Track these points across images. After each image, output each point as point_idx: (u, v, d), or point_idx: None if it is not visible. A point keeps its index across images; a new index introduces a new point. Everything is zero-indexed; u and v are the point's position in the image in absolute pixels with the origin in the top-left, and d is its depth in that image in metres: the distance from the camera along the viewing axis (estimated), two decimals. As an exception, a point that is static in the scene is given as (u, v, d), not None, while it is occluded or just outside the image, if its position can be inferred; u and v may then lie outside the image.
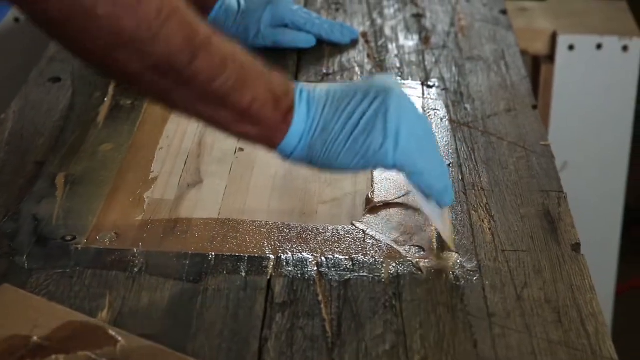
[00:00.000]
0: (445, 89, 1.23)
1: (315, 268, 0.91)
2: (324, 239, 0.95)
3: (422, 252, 0.93)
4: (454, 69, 1.28)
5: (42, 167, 1.06)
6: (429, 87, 1.24)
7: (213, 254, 0.93)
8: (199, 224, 0.97)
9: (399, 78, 1.26)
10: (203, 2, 1.30)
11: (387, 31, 1.39)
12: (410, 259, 0.92)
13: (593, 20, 1.59)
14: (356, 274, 0.90)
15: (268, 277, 0.90)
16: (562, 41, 1.55)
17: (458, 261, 0.92)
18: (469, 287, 0.89)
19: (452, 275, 0.90)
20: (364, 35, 1.37)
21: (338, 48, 1.33)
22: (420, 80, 1.25)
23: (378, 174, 1.04)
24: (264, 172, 1.06)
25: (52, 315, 0.83)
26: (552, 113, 1.56)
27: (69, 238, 0.94)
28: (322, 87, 0.88)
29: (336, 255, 0.93)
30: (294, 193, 1.03)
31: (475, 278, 0.90)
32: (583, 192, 1.55)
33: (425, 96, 1.21)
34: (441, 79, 1.26)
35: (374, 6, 1.45)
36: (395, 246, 0.94)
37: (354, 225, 0.97)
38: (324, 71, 1.27)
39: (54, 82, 1.24)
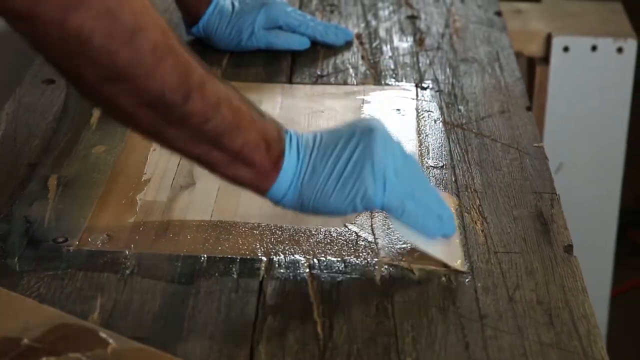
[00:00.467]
0: (439, 91, 1.23)
1: (308, 270, 0.91)
2: (316, 241, 0.95)
3: (415, 254, 0.92)
4: (448, 70, 1.28)
5: (35, 169, 1.05)
6: (423, 88, 1.24)
7: (205, 256, 0.93)
8: (191, 226, 0.97)
9: (392, 80, 1.26)
10: (197, 4, 1.30)
11: (382, 33, 1.38)
12: (402, 260, 0.92)
13: (588, 21, 1.59)
14: (348, 276, 0.90)
15: (260, 279, 0.90)
16: (557, 43, 1.55)
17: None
18: (461, 289, 0.89)
19: (444, 277, 0.90)
20: (359, 37, 1.37)
21: (332, 50, 1.33)
22: (414, 82, 1.25)
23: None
24: (257, 174, 1.06)
25: (43, 318, 0.82)
26: (547, 115, 1.56)
27: (60, 240, 0.94)
28: (308, 133, 0.89)
29: (328, 257, 0.93)
30: (287, 195, 1.02)
31: (467, 280, 0.90)
32: (578, 193, 1.55)
33: (419, 98, 1.21)
34: (435, 80, 1.26)
35: (369, 8, 1.45)
36: (387, 247, 0.93)
37: (346, 227, 0.97)
38: (318, 73, 1.27)
39: (48, 84, 1.23)
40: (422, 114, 1.17)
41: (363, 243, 0.94)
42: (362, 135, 0.87)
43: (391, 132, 0.89)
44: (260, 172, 0.86)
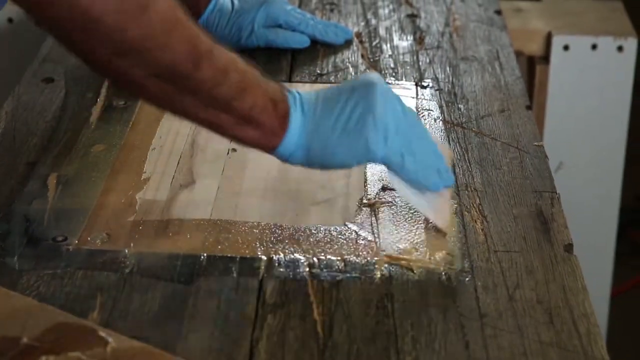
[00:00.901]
0: (439, 90, 1.23)
1: (307, 269, 0.91)
2: (316, 240, 0.95)
3: (416, 253, 0.92)
4: (448, 69, 1.28)
5: (34, 167, 1.05)
6: (423, 87, 1.23)
7: (205, 254, 0.92)
8: (191, 225, 0.97)
9: (392, 78, 1.25)
10: (197, 2, 1.30)
11: (382, 31, 1.38)
12: (402, 259, 0.92)
13: (588, 20, 1.58)
14: (348, 275, 0.90)
15: (260, 278, 0.90)
16: (557, 41, 1.54)
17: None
18: (461, 288, 0.88)
19: (444, 276, 0.90)
20: (358, 35, 1.37)
21: (332, 48, 1.33)
22: (414, 81, 1.25)
23: (371, 175, 1.04)
24: (256, 173, 1.06)
25: (42, 317, 0.82)
26: (547, 114, 1.55)
27: (60, 239, 0.94)
28: (310, 92, 0.91)
29: (328, 256, 0.92)
30: (286, 194, 1.02)
31: (467, 279, 0.90)
32: (578, 193, 1.55)
33: (419, 97, 1.21)
34: (435, 79, 1.25)
35: (369, 6, 1.45)
36: (387, 246, 0.93)
37: (346, 226, 0.97)
38: (318, 71, 1.27)
39: (47, 82, 1.23)
40: (422, 113, 1.17)
41: (363, 242, 0.94)
42: (363, 90, 0.90)
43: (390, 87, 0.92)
44: (268, 131, 0.88)
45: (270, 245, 0.94)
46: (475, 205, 1.00)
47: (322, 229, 0.96)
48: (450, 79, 1.25)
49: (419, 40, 1.36)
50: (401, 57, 1.31)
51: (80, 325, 0.82)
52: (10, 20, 1.60)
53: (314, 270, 0.91)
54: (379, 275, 0.90)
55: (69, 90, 1.21)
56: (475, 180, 1.04)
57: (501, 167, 1.07)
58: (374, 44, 1.35)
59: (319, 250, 0.93)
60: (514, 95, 1.22)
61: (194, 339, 0.82)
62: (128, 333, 0.82)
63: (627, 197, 1.71)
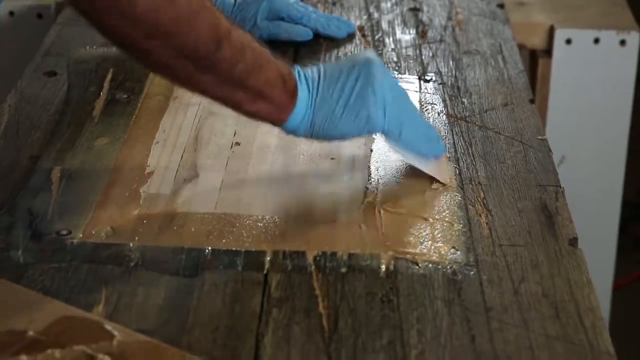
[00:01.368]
0: (443, 83, 1.23)
1: (312, 262, 0.91)
2: (320, 233, 0.95)
3: (420, 247, 0.92)
4: (451, 63, 1.28)
5: (38, 161, 1.05)
6: (426, 81, 1.23)
7: (209, 248, 0.92)
8: (196, 219, 0.96)
9: (396, 72, 1.25)
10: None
11: (384, 25, 1.38)
12: (407, 253, 0.91)
13: (590, 14, 1.58)
14: (353, 268, 0.90)
15: (265, 272, 0.89)
16: (560, 35, 1.54)
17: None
18: (466, 282, 0.88)
19: (449, 270, 0.90)
20: (361, 29, 1.37)
21: (335, 42, 1.33)
22: (417, 75, 1.25)
23: (374, 169, 1.04)
24: (260, 167, 1.06)
25: (47, 310, 0.82)
26: (550, 107, 1.55)
27: (64, 232, 0.94)
28: (312, 68, 0.98)
29: (333, 250, 0.92)
30: (290, 188, 1.02)
31: (472, 272, 0.89)
32: (581, 187, 1.55)
33: (422, 90, 1.21)
34: (438, 73, 1.25)
35: (371, 0, 1.44)
36: (392, 240, 0.93)
37: (350, 219, 0.96)
38: (321, 65, 1.27)
39: (50, 76, 1.23)
40: (425, 107, 1.17)
41: (367, 235, 0.94)
42: (362, 66, 0.97)
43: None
44: (278, 106, 0.94)
45: (275, 239, 0.94)
46: (479, 199, 1.00)
47: (326, 222, 0.96)
48: (454, 72, 1.25)
49: (422, 34, 1.36)
50: (404, 50, 1.31)
51: (85, 319, 0.82)
52: (11, 13, 1.59)
53: (319, 264, 0.90)
54: (383, 269, 0.90)
55: (72, 83, 1.21)
56: (479, 174, 1.04)
57: (505, 161, 1.07)
58: (376, 37, 1.35)
59: (324, 243, 0.93)
60: (517, 89, 1.22)
61: (199, 332, 0.82)
62: (133, 326, 0.82)
63: (630, 192, 1.71)
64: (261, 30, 1.29)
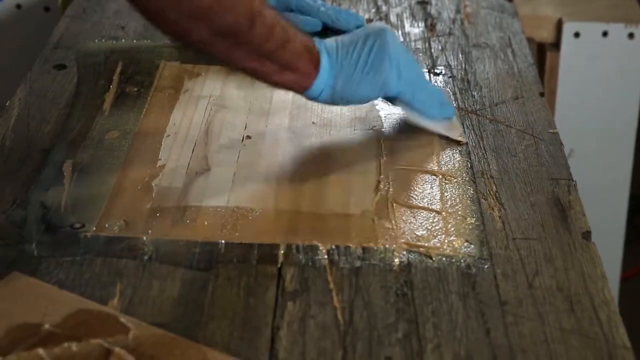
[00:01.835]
0: (452, 77, 1.23)
1: (326, 256, 0.91)
2: (333, 227, 0.95)
3: (434, 240, 0.92)
4: (460, 56, 1.28)
5: (49, 154, 1.05)
6: (436, 74, 1.23)
7: (223, 241, 0.92)
8: (208, 212, 0.96)
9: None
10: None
11: (393, 18, 1.38)
12: (420, 246, 0.91)
13: (599, 7, 1.58)
14: (367, 262, 0.90)
15: (278, 265, 0.89)
16: (568, 28, 1.54)
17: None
18: (480, 275, 0.88)
19: (463, 263, 0.90)
20: (369, 22, 1.36)
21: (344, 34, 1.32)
22: (427, 68, 1.24)
23: (385, 162, 1.04)
24: (271, 160, 1.05)
25: (62, 303, 0.82)
26: (558, 101, 1.55)
27: (77, 226, 0.94)
28: (329, 39, 1.04)
29: (346, 243, 0.92)
30: (302, 181, 1.02)
31: (486, 266, 0.90)
32: (588, 180, 1.55)
33: (432, 83, 1.21)
34: (448, 66, 1.25)
35: (379, -7, 1.44)
36: (405, 233, 0.93)
37: (363, 212, 0.96)
38: (330, 58, 1.27)
39: (59, 69, 1.23)
40: (435, 100, 1.17)
41: (381, 229, 0.94)
42: (376, 35, 1.03)
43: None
44: (303, 75, 1.01)
45: (288, 232, 0.94)
46: (492, 192, 1.00)
47: (339, 215, 0.96)
48: (463, 66, 1.25)
49: (430, 27, 1.35)
50: (413, 44, 1.31)
51: (101, 312, 0.82)
52: (19, 6, 1.59)
53: (332, 257, 0.90)
54: (397, 262, 0.90)
55: (81, 77, 1.21)
56: (491, 167, 1.04)
57: (516, 154, 1.07)
58: (385, 30, 1.34)
59: (337, 237, 0.93)
60: (527, 82, 1.22)
61: (215, 326, 0.82)
62: (148, 320, 0.82)
63: (637, 185, 1.71)
64: (270, 23, 1.29)
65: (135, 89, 1.18)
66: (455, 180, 1.01)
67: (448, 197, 0.99)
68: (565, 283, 0.87)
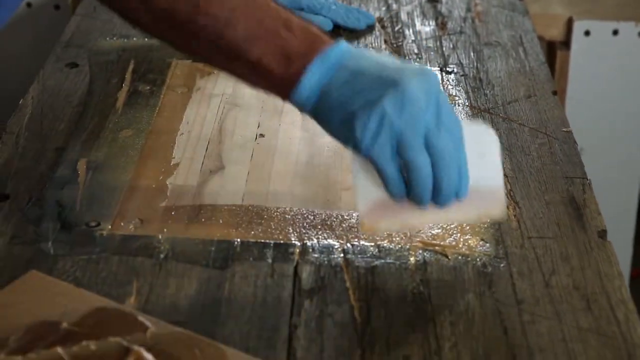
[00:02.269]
0: (464, 75, 1.23)
1: (342, 255, 0.91)
2: (348, 226, 0.95)
3: (449, 239, 0.92)
4: (472, 54, 1.28)
5: (63, 153, 1.05)
6: (448, 73, 1.23)
7: (238, 240, 0.92)
8: (223, 211, 0.96)
9: (416, 64, 1.25)
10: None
11: (403, 17, 1.38)
12: (436, 245, 0.91)
13: (609, 5, 1.58)
14: (383, 261, 0.90)
15: (294, 264, 0.90)
16: (578, 27, 1.54)
17: None
18: (497, 274, 0.88)
19: (478, 262, 0.90)
20: (380, 20, 1.37)
21: (355, 33, 1.33)
22: (439, 66, 1.25)
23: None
24: (285, 159, 1.05)
25: (80, 302, 0.82)
26: (568, 99, 1.55)
27: (93, 224, 0.94)
28: (365, 57, 0.85)
29: (362, 242, 0.92)
30: (316, 179, 1.02)
31: (502, 265, 0.90)
32: (598, 178, 1.54)
33: (444, 82, 1.21)
34: (460, 64, 1.25)
35: (390, -9, 1.44)
36: (420, 232, 0.93)
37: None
38: (342, 57, 1.26)
39: (71, 67, 1.23)
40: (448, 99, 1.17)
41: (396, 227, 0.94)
42: (387, 84, 0.82)
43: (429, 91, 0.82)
44: (276, 82, 0.86)
45: (304, 231, 0.94)
46: (506, 191, 1.00)
47: (354, 214, 0.96)
48: (475, 64, 1.25)
49: (441, 26, 1.35)
50: (424, 42, 1.31)
51: (119, 310, 0.82)
52: (29, 4, 1.59)
53: (348, 256, 0.90)
54: (413, 261, 0.90)
55: (94, 75, 1.21)
56: (505, 166, 1.04)
57: (530, 153, 1.07)
58: (396, 29, 1.35)
59: (352, 236, 0.93)
60: (539, 81, 1.22)
61: (232, 324, 0.82)
62: (166, 318, 0.82)
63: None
64: (281, 21, 1.29)
65: (148, 87, 1.18)
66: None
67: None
68: (581, 282, 0.87)
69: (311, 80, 0.85)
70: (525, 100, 1.17)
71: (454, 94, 1.18)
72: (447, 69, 1.24)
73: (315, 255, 0.91)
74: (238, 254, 0.91)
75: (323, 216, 0.96)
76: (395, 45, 1.30)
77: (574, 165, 1.04)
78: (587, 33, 1.54)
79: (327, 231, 0.94)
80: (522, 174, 1.03)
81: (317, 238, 0.93)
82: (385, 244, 0.92)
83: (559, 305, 0.85)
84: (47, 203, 0.96)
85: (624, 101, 1.56)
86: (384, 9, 1.40)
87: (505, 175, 0.96)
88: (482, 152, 0.85)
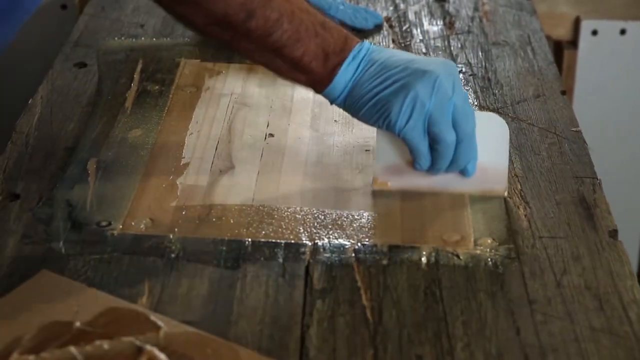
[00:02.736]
0: (473, 75, 1.23)
1: (353, 254, 0.91)
2: (359, 225, 0.95)
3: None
4: (480, 54, 1.28)
5: (73, 153, 1.05)
6: (457, 72, 1.23)
7: (249, 240, 0.92)
8: (234, 210, 0.97)
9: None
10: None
11: (411, 16, 1.38)
12: (447, 244, 0.91)
13: (617, 5, 1.58)
14: (394, 260, 0.90)
15: (306, 264, 0.90)
16: (586, 26, 1.54)
17: None
18: (508, 274, 0.88)
19: (490, 262, 0.90)
20: (388, 20, 1.37)
21: (362, 33, 1.33)
22: (448, 66, 1.24)
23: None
24: (294, 159, 1.06)
25: (93, 301, 0.82)
26: (575, 99, 1.55)
27: (104, 224, 0.94)
28: (387, 52, 0.98)
29: (373, 242, 0.92)
30: (325, 179, 1.02)
31: (513, 265, 0.89)
32: (606, 177, 1.54)
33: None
34: (468, 64, 1.25)
35: (397, -9, 1.44)
36: (432, 231, 0.93)
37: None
38: (351, 56, 1.26)
39: (80, 67, 1.23)
40: (457, 98, 1.17)
41: (407, 227, 0.94)
42: (414, 73, 0.94)
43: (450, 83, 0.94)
44: (315, 78, 0.97)
45: (314, 231, 0.94)
46: (517, 191, 1.00)
47: (364, 214, 0.96)
48: (483, 64, 1.25)
49: (449, 25, 1.35)
50: (432, 42, 1.31)
51: (131, 310, 0.82)
52: (36, 4, 1.59)
53: (359, 256, 0.90)
54: (424, 261, 0.90)
55: (102, 75, 1.21)
56: (515, 165, 1.04)
57: (540, 152, 1.07)
58: (404, 28, 1.35)
59: (363, 235, 0.93)
60: (548, 81, 1.22)
61: (244, 324, 0.82)
62: (178, 318, 0.82)
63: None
64: (290, 21, 1.29)
65: (157, 87, 1.18)
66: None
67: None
68: (593, 282, 0.87)
69: (345, 75, 0.96)
70: (534, 100, 1.17)
71: (462, 93, 1.18)
72: (456, 68, 1.24)
73: (327, 255, 0.91)
74: (249, 253, 0.91)
75: (334, 216, 0.96)
76: (403, 44, 1.30)
77: (584, 165, 1.04)
78: (594, 32, 1.54)
79: (338, 231, 0.94)
80: (532, 174, 1.03)
81: (328, 237, 0.93)
82: (396, 244, 0.92)
83: (570, 305, 0.85)
84: (57, 203, 0.96)
85: (631, 100, 1.56)
86: (391, 8, 1.40)
87: (511, 160, 1.03)
88: (491, 135, 0.97)
